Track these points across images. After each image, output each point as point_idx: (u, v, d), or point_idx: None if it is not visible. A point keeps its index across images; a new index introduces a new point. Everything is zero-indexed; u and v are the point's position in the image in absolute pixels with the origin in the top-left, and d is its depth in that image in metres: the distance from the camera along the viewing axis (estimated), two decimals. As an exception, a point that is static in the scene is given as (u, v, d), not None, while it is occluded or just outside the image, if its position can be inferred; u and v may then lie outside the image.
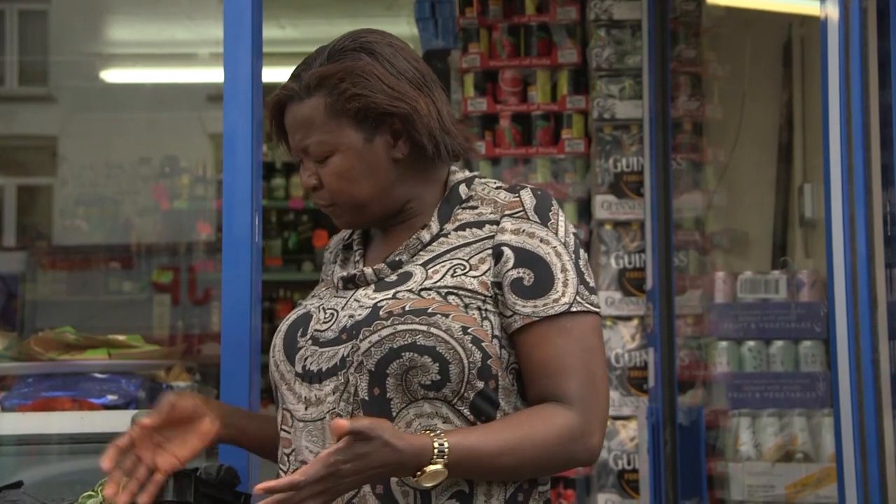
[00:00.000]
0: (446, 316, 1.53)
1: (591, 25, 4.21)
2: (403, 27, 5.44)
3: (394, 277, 1.60)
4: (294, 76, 1.64)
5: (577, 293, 1.56)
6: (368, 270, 1.62)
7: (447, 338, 1.52)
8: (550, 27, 4.35)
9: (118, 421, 2.10)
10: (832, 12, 2.28)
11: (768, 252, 4.16)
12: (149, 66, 6.06)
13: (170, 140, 5.83)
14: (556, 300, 1.55)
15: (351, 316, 1.58)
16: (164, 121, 5.79)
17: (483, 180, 1.67)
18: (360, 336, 1.55)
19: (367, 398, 1.53)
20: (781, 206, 4.19)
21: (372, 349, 1.53)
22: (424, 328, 1.52)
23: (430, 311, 1.53)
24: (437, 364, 1.51)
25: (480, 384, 1.54)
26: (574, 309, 1.55)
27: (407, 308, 1.53)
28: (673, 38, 4.02)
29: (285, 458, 1.62)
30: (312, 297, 1.70)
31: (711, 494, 3.52)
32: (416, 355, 1.51)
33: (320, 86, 1.60)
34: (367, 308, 1.56)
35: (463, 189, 1.65)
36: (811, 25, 4.02)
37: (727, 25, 4.19)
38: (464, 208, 1.63)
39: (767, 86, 4.27)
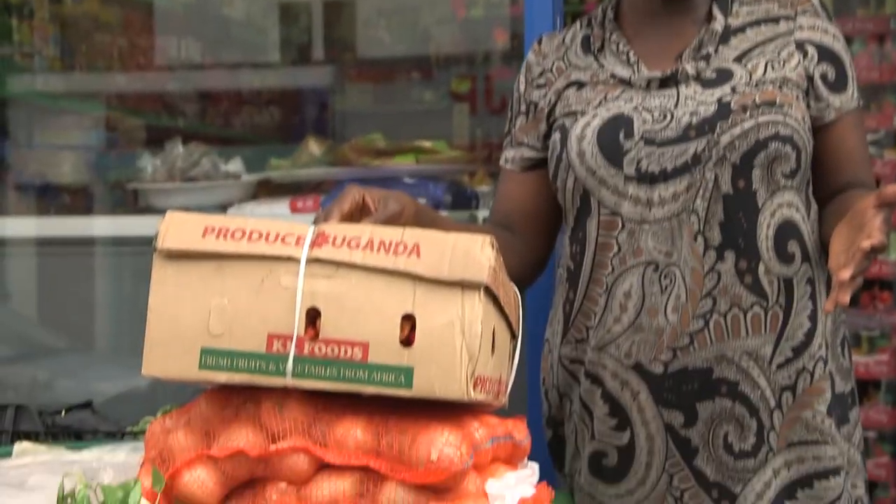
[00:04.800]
0: (790, 106, 1.60)
1: None
2: None
3: (712, 75, 1.63)
4: None
5: (858, 89, 1.68)
6: (689, 68, 1.63)
7: (797, 126, 1.60)
8: None
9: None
10: None
11: None
12: None
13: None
14: (851, 95, 1.66)
15: (694, 113, 1.60)
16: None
17: None
18: (718, 130, 1.58)
19: (730, 192, 1.59)
20: None
21: (736, 142, 1.58)
22: (781, 118, 1.58)
23: (778, 102, 1.59)
24: (795, 152, 1.59)
25: (810, 172, 1.65)
26: (860, 104, 1.67)
27: (757, 101, 1.59)
28: None
29: (606, 262, 1.64)
30: (592, 103, 1.67)
31: None
32: (780, 145, 1.58)
33: None
34: (710, 104, 1.60)
35: None
36: None
37: None
38: (741, 3, 1.69)
39: None
